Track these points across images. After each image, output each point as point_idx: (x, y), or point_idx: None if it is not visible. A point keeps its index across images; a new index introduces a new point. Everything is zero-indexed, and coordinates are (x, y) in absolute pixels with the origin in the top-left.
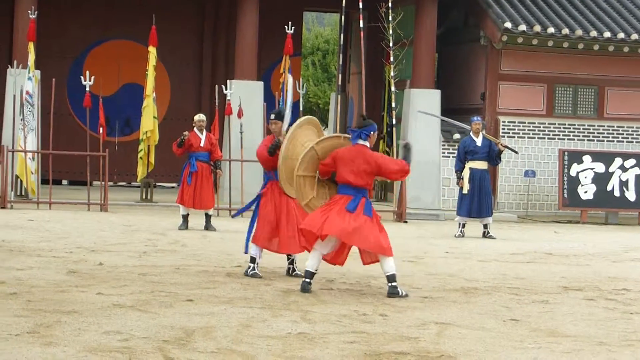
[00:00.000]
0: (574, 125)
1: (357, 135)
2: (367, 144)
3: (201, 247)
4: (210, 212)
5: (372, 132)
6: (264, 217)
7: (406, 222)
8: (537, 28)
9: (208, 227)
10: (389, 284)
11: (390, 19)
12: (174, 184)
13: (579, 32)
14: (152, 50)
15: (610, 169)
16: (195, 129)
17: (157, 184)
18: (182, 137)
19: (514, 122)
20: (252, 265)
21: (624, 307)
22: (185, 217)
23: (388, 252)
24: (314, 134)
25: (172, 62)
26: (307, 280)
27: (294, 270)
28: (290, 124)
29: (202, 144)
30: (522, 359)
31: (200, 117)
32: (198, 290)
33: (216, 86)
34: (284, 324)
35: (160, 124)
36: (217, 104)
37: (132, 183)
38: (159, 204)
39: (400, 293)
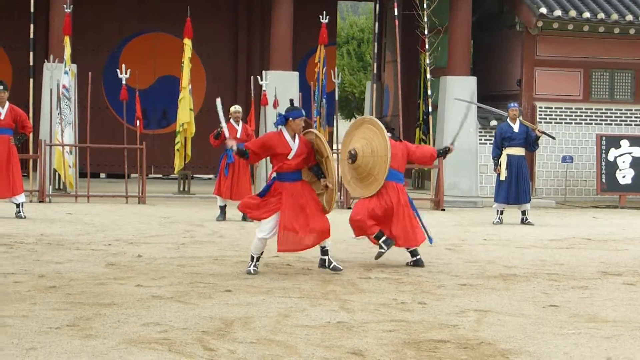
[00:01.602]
0: (611, 109)
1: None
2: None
3: (239, 238)
4: None
5: (290, 118)
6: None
7: (444, 209)
8: (573, 13)
9: (245, 217)
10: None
11: (425, 6)
12: (211, 176)
13: (615, 16)
14: (188, 43)
15: None
16: (231, 120)
17: (194, 175)
18: (218, 129)
19: (551, 108)
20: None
21: None
22: (223, 208)
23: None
24: (371, 132)
25: (207, 54)
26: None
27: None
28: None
29: (238, 135)
30: (562, 344)
31: (235, 108)
32: (236, 281)
33: (251, 77)
34: (322, 313)
35: (197, 116)
36: (252, 95)
37: (170, 175)
38: (196, 196)
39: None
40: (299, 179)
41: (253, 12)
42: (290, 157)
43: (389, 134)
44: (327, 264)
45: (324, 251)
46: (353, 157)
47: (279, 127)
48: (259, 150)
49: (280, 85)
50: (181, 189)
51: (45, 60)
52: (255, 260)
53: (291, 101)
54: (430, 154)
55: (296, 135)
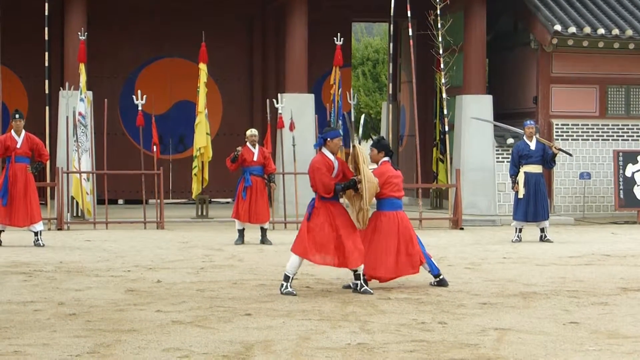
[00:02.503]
0: (628, 125)
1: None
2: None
3: (258, 261)
4: (266, 225)
5: (328, 139)
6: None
7: (462, 228)
8: (587, 30)
9: (264, 240)
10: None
11: (439, 26)
12: (229, 199)
13: (629, 32)
14: (203, 67)
15: None
16: (247, 143)
17: (212, 199)
18: (235, 153)
19: (567, 125)
20: (285, 283)
21: None
22: (241, 232)
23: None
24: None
25: (222, 78)
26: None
27: (362, 285)
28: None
29: (255, 159)
30: None
31: (252, 131)
32: (256, 304)
33: (267, 100)
34: (343, 335)
35: (213, 140)
36: (268, 118)
37: (188, 200)
38: (215, 220)
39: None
40: (337, 199)
41: (267, 35)
42: (333, 175)
43: (386, 158)
44: (358, 287)
45: (356, 275)
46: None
47: (317, 148)
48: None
49: (296, 108)
50: (199, 213)
51: (61, 88)
52: (290, 280)
53: (328, 123)
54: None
55: (333, 155)
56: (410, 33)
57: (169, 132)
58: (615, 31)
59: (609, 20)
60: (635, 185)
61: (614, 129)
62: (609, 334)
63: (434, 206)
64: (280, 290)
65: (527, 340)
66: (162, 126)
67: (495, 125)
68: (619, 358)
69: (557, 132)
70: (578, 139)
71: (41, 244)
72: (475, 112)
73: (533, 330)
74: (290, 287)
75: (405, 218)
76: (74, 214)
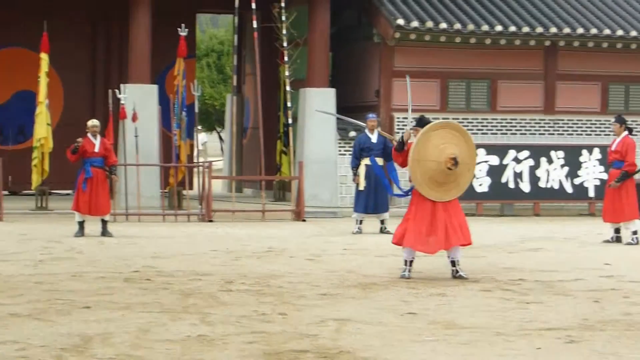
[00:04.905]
0: (468, 119)
1: None
2: None
3: (98, 254)
4: (107, 218)
5: None
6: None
7: (305, 220)
8: (429, 24)
9: (104, 233)
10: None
11: (283, 19)
12: (69, 191)
13: (471, 26)
14: (44, 57)
15: (504, 161)
16: (88, 134)
17: (52, 191)
18: (76, 144)
19: (409, 118)
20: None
21: (520, 297)
22: (81, 224)
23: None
24: (452, 136)
25: (64, 68)
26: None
27: (457, 271)
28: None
29: (96, 150)
30: (420, 351)
31: (93, 122)
32: (95, 297)
33: (110, 90)
34: (183, 327)
35: (54, 131)
36: (111, 109)
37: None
38: (55, 212)
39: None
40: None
41: (111, 26)
42: None
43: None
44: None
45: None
46: (457, 164)
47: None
48: None
49: (139, 99)
50: (39, 205)
51: None
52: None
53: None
54: None
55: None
56: (255, 25)
57: (8, 123)
58: (457, 26)
59: (451, 14)
60: (474, 178)
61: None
62: (446, 324)
63: (277, 198)
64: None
65: (366, 330)
66: (1, 116)
67: (338, 118)
68: (455, 348)
69: (399, 125)
70: (414, 134)
71: None
72: (318, 105)
73: (372, 321)
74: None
75: None
76: None
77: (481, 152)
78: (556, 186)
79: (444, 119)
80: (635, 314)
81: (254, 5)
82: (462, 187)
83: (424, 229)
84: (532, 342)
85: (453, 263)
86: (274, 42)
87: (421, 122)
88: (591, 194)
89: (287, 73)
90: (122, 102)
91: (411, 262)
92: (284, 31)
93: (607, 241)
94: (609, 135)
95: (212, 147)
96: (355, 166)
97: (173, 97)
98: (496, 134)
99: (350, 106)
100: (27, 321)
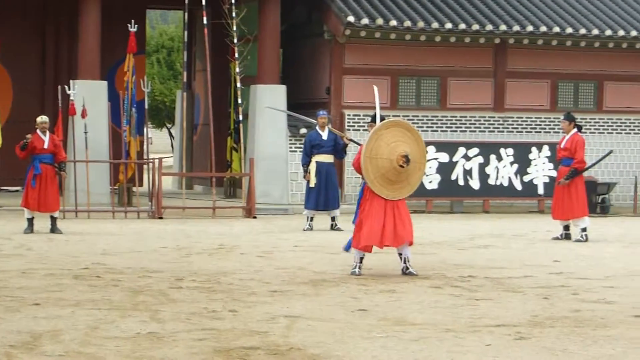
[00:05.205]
0: (418, 116)
1: None
2: None
3: (47, 250)
4: (56, 214)
5: None
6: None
7: (255, 217)
8: (380, 21)
9: (54, 229)
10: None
11: (234, 15)
12: (18, 188)
13: (421, 24)
14: None
15: (454, 159)
16: (38, 131)
17: (1, 188)
18: (25, 140)
19: (359, 115)
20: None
21: (469, 294)
22: (31, 221)
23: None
24: (403, 134)
25: (13, 64)
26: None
27: (407, 268)
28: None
29: (45, 146)
30: (370, 348)
31: (42, 118)
32: (45, 294)
33: (59, 87)
34: (132, 324)
35: (3, 127)
36: (60, 105)
37: None
38: (4, 208)
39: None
40: None
41: (61, 21)
42: None
43: None
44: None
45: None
46: (408, 162)
47: None
48: None
49: (88, 95)
50: None
51: None
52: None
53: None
54: None
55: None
56: (205, 21)
57: None
58: (407, 23)
59: (402, 12)
60: (424, 175)
61: (404, 119)
62: (396, 320)
63: (228, 195)
64: None
65: (317, 327)
66: None
67: (288, 115)
68: (405, 344)
69: (349, 122)
70: (369, 130)
71: None
72: (269, 102)
73: (322, 318)
74: None
75: None
76: None
77: (431, 149)
78: (505, 183)
79: (394, 116)
80: (584, 311)
81: (204, 2)
82: (413, 186)
83: (376, 225)
84: (482, 338)
85: (403, 259)
86: (224, 39)
87: (375, 119)
88: (540, 191)
89: (237, 69)
90: (71, 98)
91: (362, 259)
92: (234, 27)
93: (556, 238)
94: (558, 132)
95: (162, 144)
96: (306, 163)
97: (123, 93)
98: (446, 131)
99: (301, 103)
100: None
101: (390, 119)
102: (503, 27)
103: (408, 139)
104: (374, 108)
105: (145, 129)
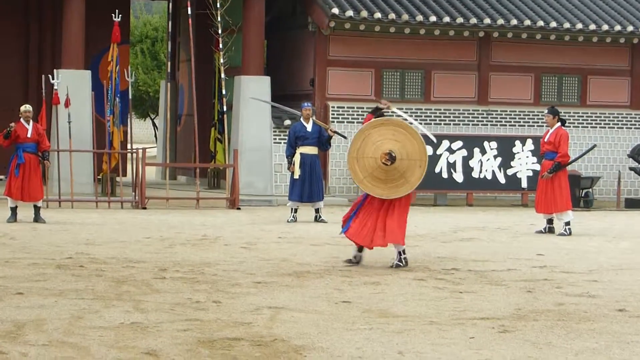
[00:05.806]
0: (402, 109)
1: None
2: None
3: (30, 240)
4: (39, 203)
5: None
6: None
7: (239, 208)
8: (364, 13)
9: (37, 219)
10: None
11: (218, 5)
12: (1, 177)
13: (405, 16)
14: None
15: (438, 152)
16: (21, 119)
17: None
18: (8, 129)
19: (343, 107)
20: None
21: (453, 287)
22: (14, 210)
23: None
24: (394, 133)
25: None
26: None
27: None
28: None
29: (29, 135)
30: (354, 340)
31: (26, 107)
32: (28, 283)
33: (43, 76)
34: (116, 314)
35: None
36: (44, 94)
37: None
38: None
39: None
40: None
41: (44, 11)
42: None
43: None
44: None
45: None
46: (392, 159)
47: None
48: None
49: (72, 84)
50: None
51: None
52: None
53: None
54: None
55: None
56: (189, 12)
57: None
58: (392, 15)
59: (386, 4)
60: None
61: (388, 112)
62: (380, 312)
63: (212, 186)
64: None
65: (300, 318)
66: None
67: (273, 106)
68: (389, 337)
69: (333, 114)
70: (353, 122)
71: None
72: (253, 93)
73: (306, 309)
74: None
75: None
76: None
77: None
78: (489, 177)
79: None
80: (568, 304)
81: None
82: (413, 184)
83: (369, 223)
84: (465, 331)
85: (397, 253)
86: (208, 29)
87: (375, 112)
88: (524, 184)
89: (221, 60)
90: (55, 87)
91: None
92: (219, 18)
93: (540, 232)
94: (542, 126)
95: (145, 135)
96: (290, 155)
97: (107, 83)
98: (430, 124)
99: (286, 94)
100: None
101: (383, 117)
102: (487, 21)
103: (401, 137)
104: (358, 100)
105: (128, 119)
